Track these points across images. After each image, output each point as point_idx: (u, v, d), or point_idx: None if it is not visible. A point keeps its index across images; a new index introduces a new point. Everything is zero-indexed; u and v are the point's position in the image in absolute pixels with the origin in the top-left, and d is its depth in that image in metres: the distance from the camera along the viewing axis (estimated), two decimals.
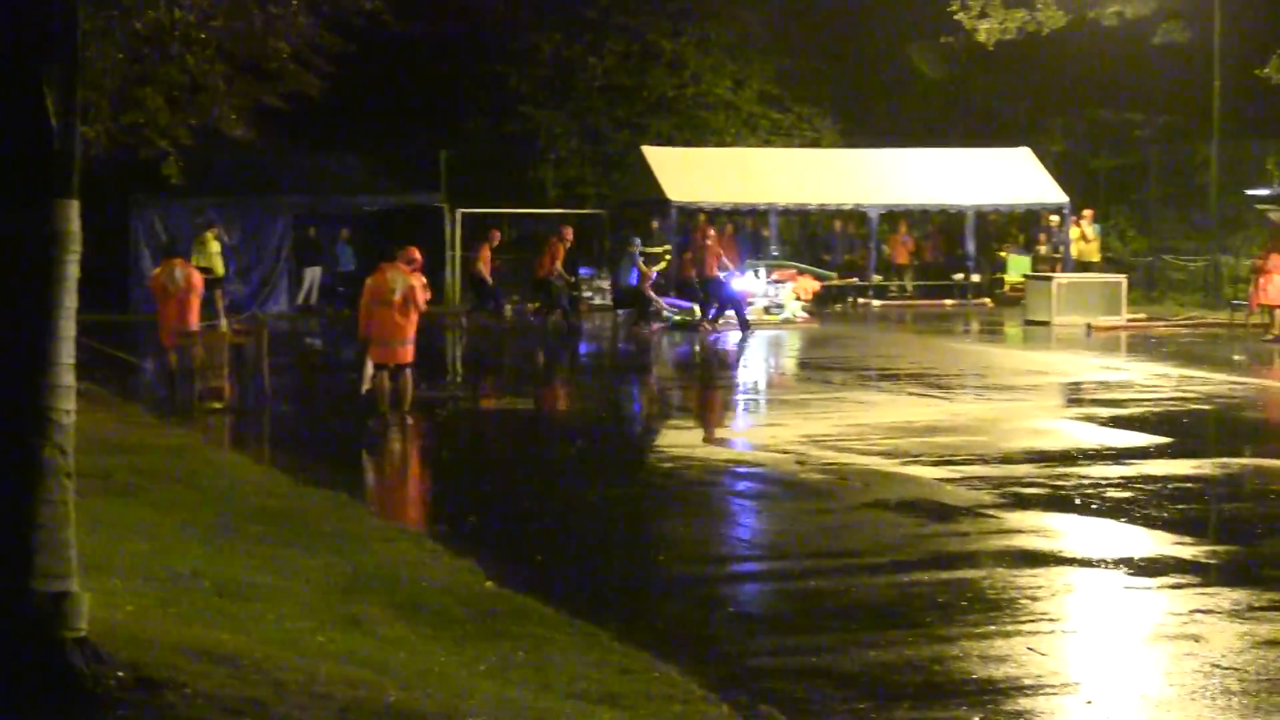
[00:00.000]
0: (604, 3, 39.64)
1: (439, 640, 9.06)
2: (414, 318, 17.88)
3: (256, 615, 8.92)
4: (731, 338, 30.76)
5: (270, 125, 21.17)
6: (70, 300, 6.68)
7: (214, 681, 6.70)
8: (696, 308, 31.34)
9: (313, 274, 35.09)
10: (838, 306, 35.32)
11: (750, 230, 37.44)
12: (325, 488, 14.35)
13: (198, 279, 20.78)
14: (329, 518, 12.99)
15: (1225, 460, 17.07)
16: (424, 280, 18.72)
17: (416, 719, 7.04)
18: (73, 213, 6.66)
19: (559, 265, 30.99)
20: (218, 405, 19.77)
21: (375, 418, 18.22)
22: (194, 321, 20.52)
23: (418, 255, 18.41)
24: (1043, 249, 36.70)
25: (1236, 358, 26.62)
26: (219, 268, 32.49)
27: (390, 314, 17.65)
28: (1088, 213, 36.78)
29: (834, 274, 35.49)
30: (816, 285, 34.22)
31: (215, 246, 32.33)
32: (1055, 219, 36.85)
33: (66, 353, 6.72)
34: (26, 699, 6.24)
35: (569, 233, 31.98)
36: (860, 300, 36.10)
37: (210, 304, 31.21)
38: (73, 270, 6.68)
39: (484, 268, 31.74)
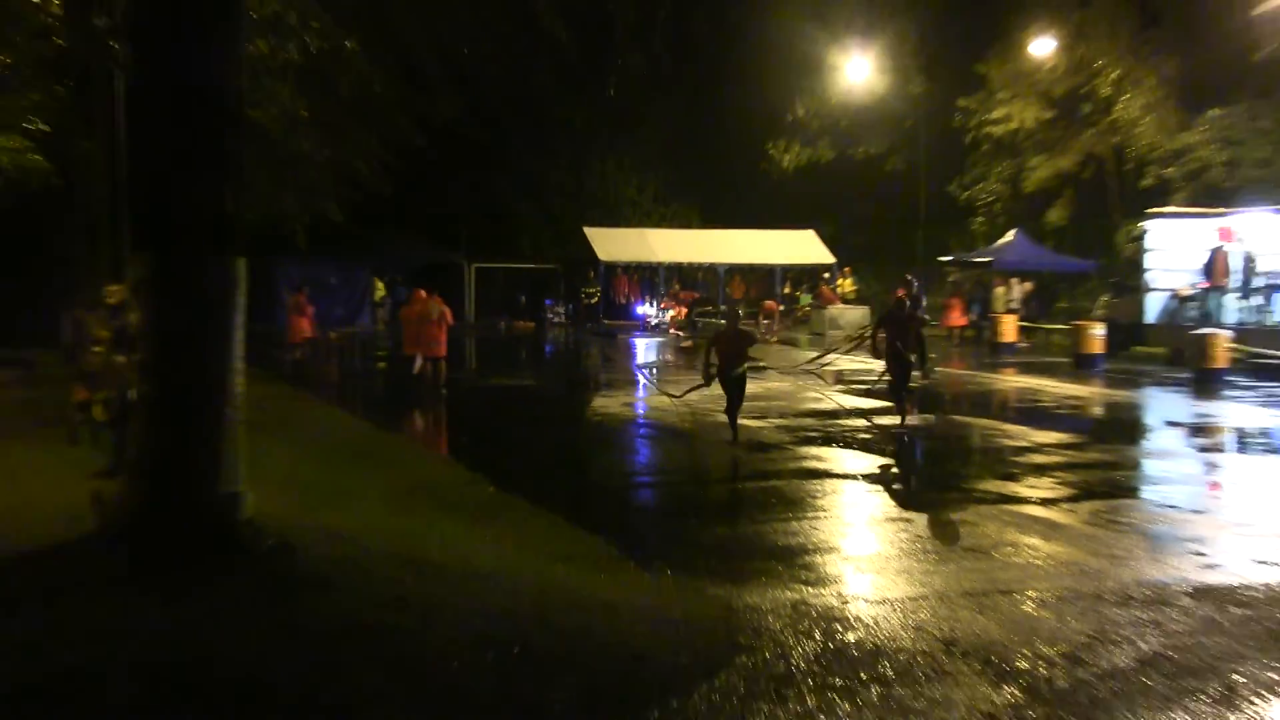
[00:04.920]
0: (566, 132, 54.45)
1: (460, 522, 11.31)
2: (445, 330, 23.07)
3: (351, 508, 10.79)
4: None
5: (356, 211, 25.70)
6: (239, 319, 8.82)
7: (325, 547, 8.52)
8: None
9: (387, 304, 47.19)
10: (698, 322, 46.03)
11: (648, 278, 52.91)
12: (391, 431, 18.40)
13: (308, 307, 27.46)
14: (395, 447, 16.44)
15: (927, 415, 21.00)
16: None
17: (447, 564, 8.94)
18: (241, 265, 8.84)
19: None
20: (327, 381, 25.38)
21: (423, 389, 23.08)
22: (310, 331, 27.14)
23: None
24: (823, 289, 50.07)
25: (930, 355, 31.60)
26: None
27: (431, 327, 23.03)
28: (848, 269, 51.03)
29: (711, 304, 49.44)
30: (684, 309, 47.06)
31: (381, 287, 44.98)
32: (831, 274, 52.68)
33: (237, 350, 8.76)
34: (215, 557, 8.17)
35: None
36: (712, 320, 46.35)
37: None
38: (241, 301, 8.85)
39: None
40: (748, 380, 18.52)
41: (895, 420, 19.51)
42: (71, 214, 24.94)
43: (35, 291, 32.17)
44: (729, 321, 19.29)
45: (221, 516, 8.41)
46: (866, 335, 23.78)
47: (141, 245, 8.77)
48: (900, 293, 22.14)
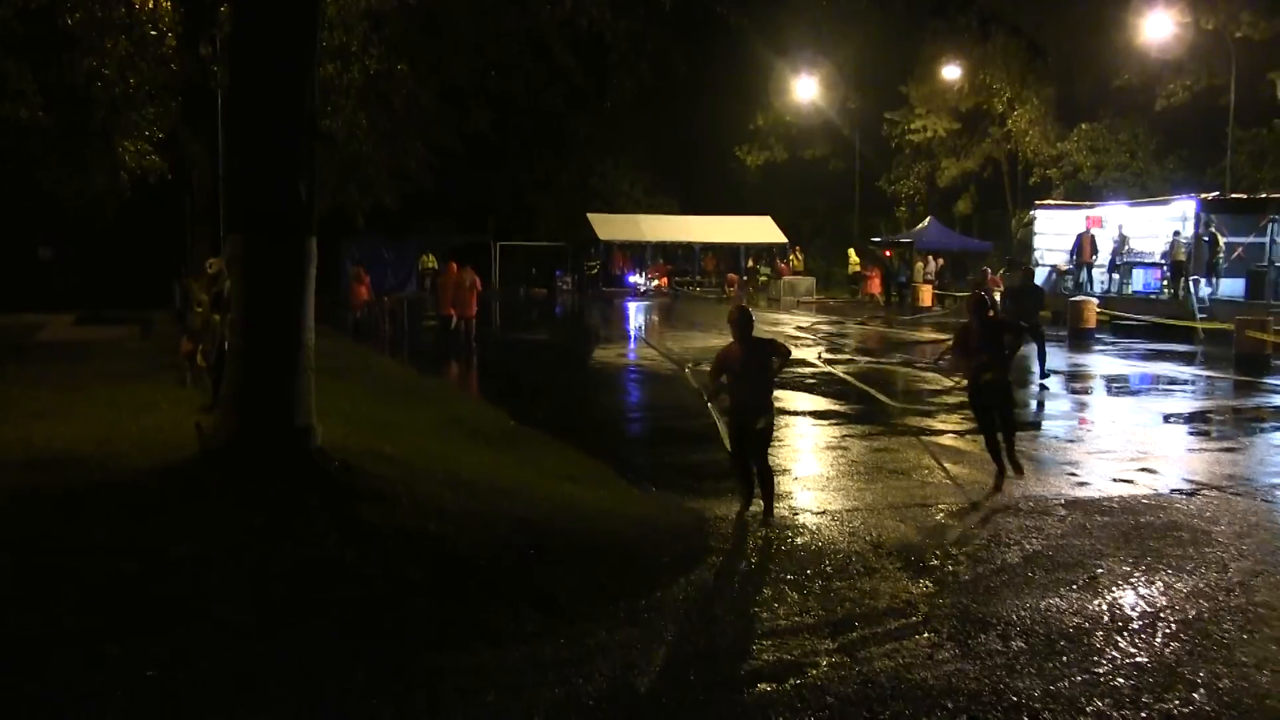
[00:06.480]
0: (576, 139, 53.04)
1: (487, 449, 11.31)
2: (476, 295, 22.66)
3: (400, 437, 10.71)
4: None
5: (405, 199, 26.10)
6: (311, 286, 8.66)
7: (379, 467, 8.58)
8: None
9: (430, 274, 43.35)
10: (680, 289, 47.93)
11: (638, 254, 51.14)
12: (432, 377, 18.26)
13: (365, 276, 26.98)
14: (435, 389, 16.30)
15: (860, 361, 20.60)
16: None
17: (477, 482, 8.91)
18: (313, 244, 8.66)
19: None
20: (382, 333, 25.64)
21: (458, 342, 22.81)
22: (368, 296, 26.76)
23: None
24: (778, 264, 49.16)
25: (859, 317, 32.56)
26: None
27: (465, 293, 22.55)
28: (797, 248, 50.21)
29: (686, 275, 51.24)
30: (666, 278, 49.48)
31: (432, 259, 42.72)
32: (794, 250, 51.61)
33: (310, 311, 8.64)
34: (293, 477, 8.07)
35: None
36: (691, 287, 49.20)
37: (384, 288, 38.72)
38: (313, 272, 8.67)
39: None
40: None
41: (839, 369, 19.31)
42: (180, 203, 25.03)
43: (151, 265, 32.39)
44: (739, 329, 9.36)
45: (297, 443, 8.33)
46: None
47: (235, 228, 8.70)
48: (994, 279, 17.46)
